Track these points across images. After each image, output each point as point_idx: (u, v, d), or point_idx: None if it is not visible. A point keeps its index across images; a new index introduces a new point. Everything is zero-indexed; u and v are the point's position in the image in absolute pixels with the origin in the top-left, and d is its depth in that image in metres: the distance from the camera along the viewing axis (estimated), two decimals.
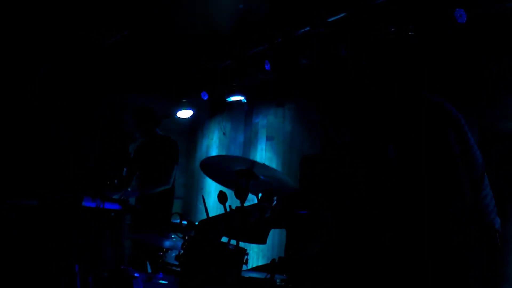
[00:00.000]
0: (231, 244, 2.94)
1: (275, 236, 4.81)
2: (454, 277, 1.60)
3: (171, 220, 4.21)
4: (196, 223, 3.65)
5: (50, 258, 4.31)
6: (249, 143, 5.67)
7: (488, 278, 1.62)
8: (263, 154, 5.41)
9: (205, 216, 3.79)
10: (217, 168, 3.19)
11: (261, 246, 5.07)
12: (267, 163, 5.24)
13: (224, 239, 3.18)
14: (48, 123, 5.49)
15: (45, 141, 5.44)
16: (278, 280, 2.96)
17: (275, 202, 3.90)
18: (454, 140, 1.69)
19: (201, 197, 3.42)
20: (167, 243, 3.47)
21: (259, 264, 4.36)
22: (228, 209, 2.82)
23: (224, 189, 5.91)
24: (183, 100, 5.65)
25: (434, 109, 1.80)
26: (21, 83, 5.33)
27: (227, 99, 5.20)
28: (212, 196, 6.17)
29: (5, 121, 5.17)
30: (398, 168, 1.80)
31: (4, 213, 4.29)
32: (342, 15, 3.91)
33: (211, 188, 6.20)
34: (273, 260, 3.16)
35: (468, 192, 1.64)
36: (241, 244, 3.03)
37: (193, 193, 6.63)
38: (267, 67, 4.40)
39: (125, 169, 4.53)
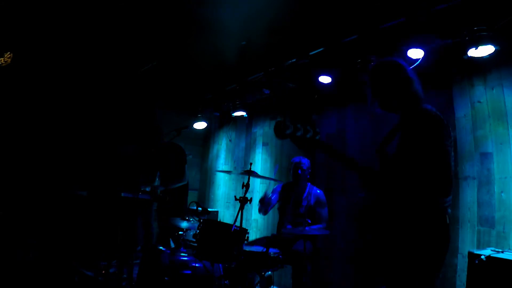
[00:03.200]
0: (236, 226, 2.93)
1: (269, 218, 4.80)
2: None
3: (189, 207, 4.17)
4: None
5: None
6: (249, 147, 5.65)
7: None
8: (260, 156, 5.37)
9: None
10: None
11: (259, 225, 5.05)
12: (263, 163, 5.26)
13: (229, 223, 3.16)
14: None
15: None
16: (271, 253, 2.95)
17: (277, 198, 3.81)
18: (449, 147, 1.73)
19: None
20: (186, 224, 3.41)
21: None
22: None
23: (230, 184, 5.85)
24: (199, 115, 5.65)
25: (436, 122, 1.75)
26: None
27: (232, 114, 5.18)
28: (221, 189, 6.17)
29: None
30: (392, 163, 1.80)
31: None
32: (320, 49, 3.91)
33: (220, 182, 6.19)
34: (268, 237, 3.15)
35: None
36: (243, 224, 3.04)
37: (206, 185, 6.54)
38: (266, 91, 4.42)
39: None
